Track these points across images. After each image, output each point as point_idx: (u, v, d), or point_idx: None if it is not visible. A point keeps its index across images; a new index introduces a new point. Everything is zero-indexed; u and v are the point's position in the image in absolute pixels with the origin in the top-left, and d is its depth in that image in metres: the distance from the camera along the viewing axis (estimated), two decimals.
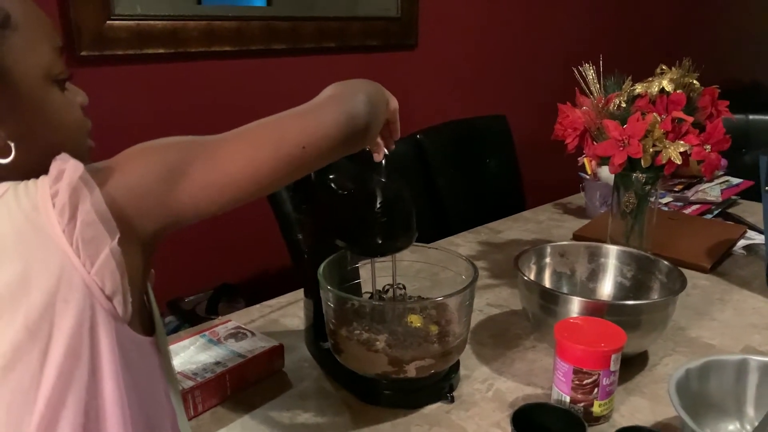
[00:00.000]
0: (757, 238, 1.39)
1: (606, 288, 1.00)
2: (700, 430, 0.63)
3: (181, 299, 1.55)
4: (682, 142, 1.03)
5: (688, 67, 1.07)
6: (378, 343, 0.76)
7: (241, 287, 1.61)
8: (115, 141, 1.51)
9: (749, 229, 1.43)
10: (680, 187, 1.68)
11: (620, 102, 1.11)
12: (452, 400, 0.80)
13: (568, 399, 0.76)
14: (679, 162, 1.03)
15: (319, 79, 1.81)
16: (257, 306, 1.10)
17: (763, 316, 1.06)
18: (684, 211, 1.57)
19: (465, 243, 1.40)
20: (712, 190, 1.65)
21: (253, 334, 0.91)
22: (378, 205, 0.74)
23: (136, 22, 1.39)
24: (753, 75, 3.36)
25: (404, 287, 0.84)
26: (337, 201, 0.82)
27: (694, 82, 1.08)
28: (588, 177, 1.62)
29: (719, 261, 1.27)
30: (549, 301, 0.87)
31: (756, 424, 0.73)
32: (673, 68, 1.10)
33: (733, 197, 1.68)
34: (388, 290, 0.83)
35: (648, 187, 1.13)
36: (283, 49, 1.70)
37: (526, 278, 0.90)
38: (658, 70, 1.12)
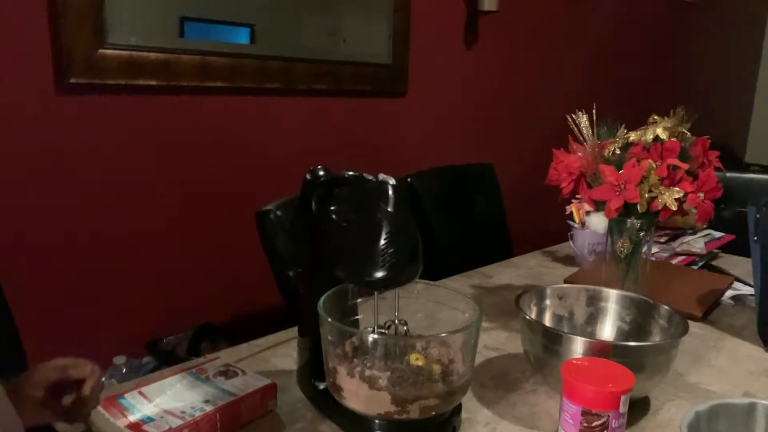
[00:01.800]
0: (744, 289, 1.41)
1: (606, 331, 0.99)
2: None
3: (160, 340, 1.49)
4: (677, 188, 1.04)
5: (682, 116, 1.10)
6: (381, 380, 0.73)
7: (224, 327, 1.56)
8: (101, 170, 1.49)
9: (736, 280, 1.45)
10: (666, 238, 1.70)
11: (615, 149, 1.13)
12: None
13: None
14: (674, 208, 1.04)
15: (312, 119, 1.84)
16: (245, 345, 1.06)
17: (758, 363, 1.06)
18: (671, 262, 1.59)
19: (458, 287, 1.38)
20: (696, 243, 1.68)
21: (243, 372, 0.87)
22: (384, 236, 0.72)
23: (129, 53, 1.39)
24: (725, 140, 3.49)
25: (407, 323, 0.81)
26: (340, 231, 0.80)
27: (686, 132, 1.11)
28: (576, 225, 1.63)
29: (709, 310, 1.27)
30: (553, 341, 0.85)
31: None
32: (665, 117, 1.12)
33: (715, 250, 1.71)
34: (389, 326, 0.80)
35: (642, 233, 1.14)
36: (276, 89, 1.71)
37: (528, 318, 0.89)
38: (651, 120, 1.15)
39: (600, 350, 0.82)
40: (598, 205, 1.12)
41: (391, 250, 0.72)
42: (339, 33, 1.84)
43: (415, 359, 0.79)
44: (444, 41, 2.25)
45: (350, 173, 0.81)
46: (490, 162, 2.11)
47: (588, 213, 1.62)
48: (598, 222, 1.59)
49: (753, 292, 1.37)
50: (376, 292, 0.78)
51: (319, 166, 0.87)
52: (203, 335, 1.47)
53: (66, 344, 1.36)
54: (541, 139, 2.56)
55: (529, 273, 1.54)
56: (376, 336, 0.77)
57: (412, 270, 0.74)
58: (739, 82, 4.24)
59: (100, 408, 0.76)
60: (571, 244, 1.65)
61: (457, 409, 0.81)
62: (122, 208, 1.50)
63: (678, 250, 1.64)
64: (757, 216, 1.15)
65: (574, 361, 0.78)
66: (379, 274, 0.73)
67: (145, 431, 0.71)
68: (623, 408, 0.73)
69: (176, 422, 0.73)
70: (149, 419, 0.74)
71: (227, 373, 0.86)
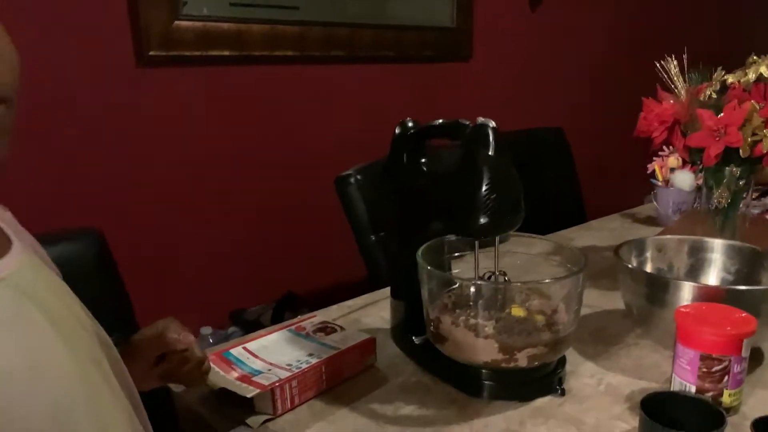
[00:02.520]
0: None
1: (710, 282, 0.94)
2: None
3: (244, 310, 1.52)
4: None
5: None
6: (487, 329, 0.72)
7: (305, 297, 1.58)
8: (180, 141, 1.52)
9: None
10: (756, 194, 1.61)
11: (711, 92, 1.06)
12: (563, 393, 0.75)
13: (693, 389, 0.70)
14: None
15: (376, 86, 1.83)
16: (335, 306, 1.06)
17: None
18: (765, 217, 1.50)
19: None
20: None
21: (342, 328, 0.87)
22: (486, 182, 0.70)
23: (203, 23, 1.40)
24: None
25: (506, 274, 0.79)
26: (436, 182, 0.79)
27: None
28: (659, 184, 1.56)
29: None
30: (659, 289, 0.82)
31: None
32: (765, 56, 1.05)
33: None
34: (489, 277, 0.78)
35: (742, 182, 1.07)
36: (341, 56, 1.70)
37: (631, 267, 0.85)
38: (750, 60, 1.08)
39: (711, 296, 0.78)
40: (694, 154, 1.06)
41: (494, 195, 0.70)
42: None
43: (517, 311, 0.77)
44: (508, 3, 2.19)
45: (444, 120, 0.79)
46: (559, 126, 2.05)
47: (672, 170, 1.55)
48: (684, 179, 1.53)
49: None
50: (476, 241, 0.76)
51: (408, 118, 0.86)
52: (286, 305, 1.50)
53: (152, 316, 1.40)
54: (612, 99, 2.48)
55: (611, 235, 1.49)
56: (481, 283, 0.75)
57: (516, 217, 0.72)
58: None
59: (211, 363, 0.77)
60: (654, 203, 1.58)
61: (562, 361, 0.79)
62: (201, 180, 1.54)
63: None
64: None
65: (691, 306, 0.75)
66: (482, 221, 0.71)
67: (256, 383, 0.72)
68: (745, 352, 0.69)
69: (284, 374, 0.74)
70: (257, 372, 0.75)
71: (326, 329, 0.87)
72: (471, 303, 0.76)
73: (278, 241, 1.64)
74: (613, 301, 1.03)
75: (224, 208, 1.58)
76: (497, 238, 0.77)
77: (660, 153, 1.59)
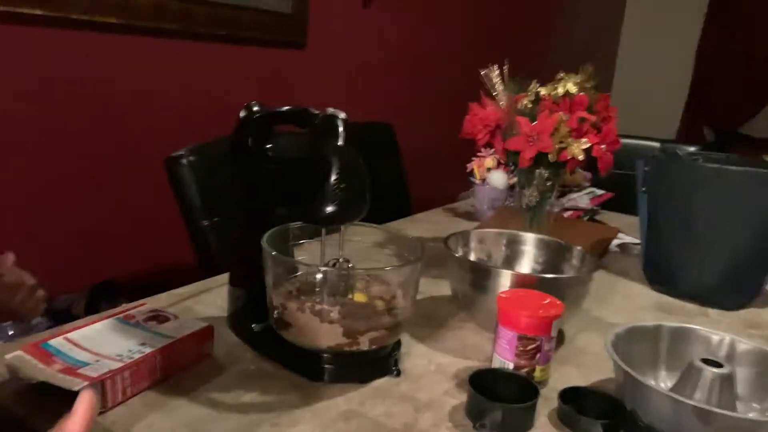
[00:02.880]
0: (626, 239, 1.56)
1: (524, 271, 1.06)
2: (644, 379, 0.68)
3: (53, 299, 1.37)
4: (584, 139, 1.12)
5: (589, 73, 1.18)
6: (332, 314, 0.74)
7: (124, 285, 1.47)
8: None
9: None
10: (557, 195, 1.83)
11: (527, 102, 1.19)
12: (399, 374, 0.79)
13: (512, 365, 0.78)
14: (581, 158, 1.12)
15: (211, 67, 1.75)
16: (164, 294, 1.01)
17: (647, 299, 1.19)
18: (563, 215, 1.71)
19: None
20: (581, 199, 1.82)
21: (176, 317, 0.83)
22: (336, 172, 0.72)
23: None
24: None
25: (350, 261, 0.82)
26: (283, 169, 0.79)
27: (591, 88, 1.19)
28: (477, 182, 1.71)
29: (601, 256, 1.40)
30: (482, 277, 0.90)
31: (669, 382, 0.81)
32: (570, 74, 1.20)
33: (596, 207, 1.87)
34: (334, 264, 0.80)
35: (550, 183, 1.22)
36: (173, 30, 1.60)
37: (459, 256, 0.93)
38: (559, 76, 1.22)
39: (526, 283, 0.87)
40: (511, 156, 1.18)
41: (343, 185, 0.72)
42: None
43: (359, 297, 0.80)
44: None
45: (292, 107, 0.79)
46: (388, 121, 2.14)
47: (489, 170, 1.71)
48: (498, 178, 1.69)
49: (635, 242, 1.53)
50: (323, 229, 0.78)
51: (254, 102, 0.84)
52: (102, 293, 1.38)
53: None
54: (439, 99, 2.64)
55: (435, 227, 1.59)
56: (328, 269, 0.77)
57: (362, 207, 0.74)
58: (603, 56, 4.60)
59: (24, 354, 0.69)
60: (472, 199, 1.73)
61: (398, 344, 0.83)
62: (14, 149, 1.35)
63: (567, 205, 1.77)
64: (645, 169, 1.27)
65: (509, 292, 0.83)
66: (330, 209, 0.72)
67: (83, 375, 0.66)
68: (554, 332, 0.79)
69: (114, 365, 0.68)
70: (84, 363, 0.69)
71: (158, 317, 0.82)
72: (317, 289, 0.77)
73: (96, 223, 1.50)
74: (439, 287, 1.11)
75: (34, 183, 1.40)
76: (342, 227, 0.79)
77: (478, 154, 1.74)
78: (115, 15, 1.45)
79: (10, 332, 1.31)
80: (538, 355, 0.78)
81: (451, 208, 1.82)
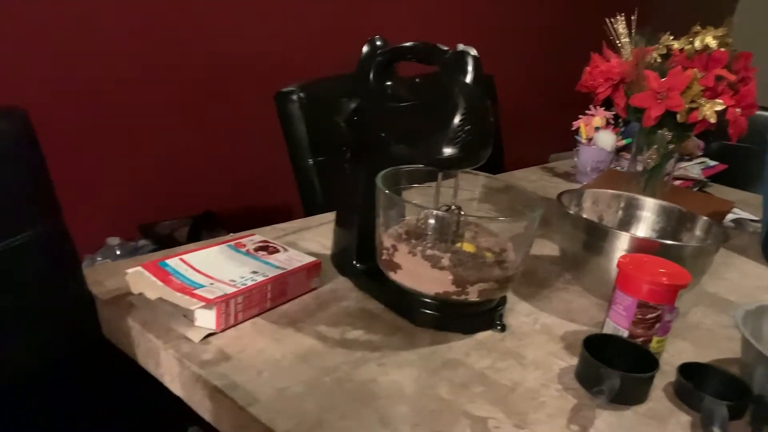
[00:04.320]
0: (742, 214, 1.45)
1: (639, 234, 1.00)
2: None
3: (156, 224, 1.43)
4: (719, 100, 1.03)
5: (730, 27, 1.07)
6: (443, 260, 0.72)
7: (222, 217, 1.51)
8: (96, 41, 1.36)
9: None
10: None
11: (656, 56, 1.10)
12: (504, 329, 0.77)
13: (626, 333, 0.74)
14: (713, 120, 1.03)
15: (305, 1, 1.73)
16: (268, 228, 1.02)
17: (764, 280, 1.10)
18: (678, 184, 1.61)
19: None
20: (692, 169, 1.71)
21: (285, 249, 0.84)
22: (461, 112, 0.68)
23: None
24: None
25: (461, 209, 0.79)
26: (408, 106, 0.76)
27: (731, 44, 1.09)
28: (583, 141, 1.62)
29: None
30: (597, 237, 0.85)
31: None
32: (712, 28, 1.10)
33: (706, 179, 1.74)
34: (447, 211, 0.77)
35: (672, 146, 1.13)
36: None
37: (573, 214, 0.88)
38: (695, 29, 1.12)
39: (646, 248, 0.82)
40: (633, 113, 1.10)
41: (468, 127, 0.68)
42: None
43: (468, 247, 0.77)
44: None
45: (418, 42, 0.76)
46: (491, 73, 2.06)
47: (597, 129, 1.61)
48: (606, 139, 1.59)
49: (752, 218, 1.42)
50: (440, 173, 0.75)
51: (377, 36, 0.81)
52: (203, 223, 1.42)
53: None
54: (545, 50, 2.51)
55: (533, 186, 1.54)
56: (446, 214, 0.75)
57: (484, 151, 0.71)
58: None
59: (144, 270, 0.71)
60: (576, 159, 1.65)
61: (503, 299, 0.81)
62: (122, 80, 1.40)
63: (676, 173, 1.66)
64: None
65: (629, 257, 0.78)
66: (451, 151, 0.69)
67: (199, 295, 0.67)
68: (677, 303, 0.74)
69: (228, 289, 0.70)
70: (199, 285, 0.70)
71: (268, 248, 0.83)
72: (428, 234, 0.75)
73: (200, 154, 1.54)
74: (541, 247, 1.07)
75: (143, 114, 1.45)
76: (458, 172, 0.76)
77: (587, 112, 1.65)
78: None
79: (118, 252, 1.38)
80: (657, 325, 0.73)
81: (549, 168, 1.75)
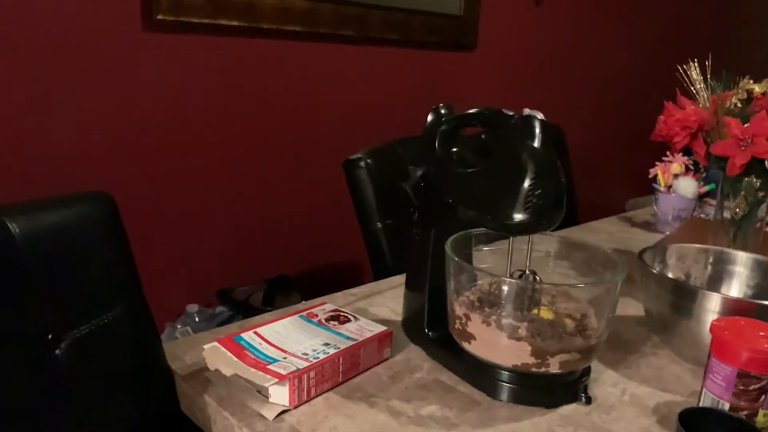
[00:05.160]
0: None
1: (731, 294, 0.93)
2: None
3: (232, 289, 1.46)
4: None
5: None
6: (520, 330, 0.69)
7: (295, 281, 1.53)
8: (182, 110, 1.46)
9: None
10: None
11: (736, 101, 1.05)
12: (589, 402, 0.72)
13: (727, 406, 0.68)
14: None
15: (383, 69, 1.78)
16: (339, 294, 1.02)
17: None
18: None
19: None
20: None
21: (356, 318, 0.83)
22: (531, 176, 0.66)
23: None
24: None
25: (536, 273, 0.76)
26: (471, 172, 0.75)
27: None
28: (662, 189, 1.56)
29: None
30: (685, 298, 0.80)
31: None
32: None
33: None
34: (521, 276, 0.75)
35: (761, 194, 1.06)
36: (350, 36, 1.64)
37: (657, 273, 0.83)
38: None
39: (741, 310, 0.76)
40: (716, 162, 1.05)
41: (538, 191, 0.66)
42: None
43: (546, 313, 0.74)
44: None
45: (483, 108, 0.75)
46: (557, 123, 2.03)
47: (676, 176, 1.55)
48: (687, 185, 1.52)
49: None
50: (511, 238, 0.73)
51: (441, 105, 0.82)
52: (277, 287, 1.44)
53: None
54: (609, 102, 2.47)
55: (612, 238, 1.47)
56: (519, 281, 0.72)
57: (557, 215, 0.69)
58: None
59: (220, 346, 0.72)
60: (655, 208, 1.58)
61: (587, 368, 0.76)
62: (199, 152, 1.47)
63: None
64: None
65: (723, 321, 0.72)
66: (522, 217, 0.67)
67: (272, 371, 0.67)
68: None
69: (301, 363, 0.69)
70: (273, 359, 0.70)
71: (339, 317, 0.82)
72: (502, 302, 0.72)
73: (273, 220, 1.59)
74: (626, 306, 1.01)
75: (221, 182, 1.51)
76: (530, 236, 0.73)
77: (664, 158, 1.59)
78: (301, 23, 1.51)
79: (197, 319, 1.42)
80: (763, 397, 0.66)
81: (627, 217, 1.68)
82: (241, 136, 1.53)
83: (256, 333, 0.76)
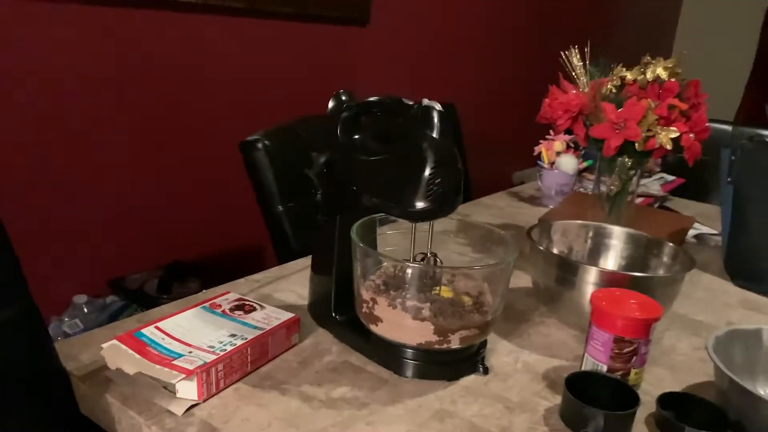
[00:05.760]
0: (702, 229, 1.50)
1: (608, 266, 1.02)
2: (753, 387, 0.65)
3: (124, 278, 1.40)
4: (673, 128, 1.07)
5: (679, 58, 1.12)
6: (424, 311, 0.72)
7: (191, 266, 1.49)
8: (60, 95, 1.35)
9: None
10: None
11: (611, 87, 1.14)
12: (486, 372, 0.78)
13: (605, 368, 0.75)
14: (669, 147, 1.07)
15: (278, 44, 1.74)
16: (242, 280, 1.01)
17: (731, 296, 1.13)
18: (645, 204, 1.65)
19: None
20: (652, 185, 1.76)
21: (262, 306, 0.83)
22: (431, 165, 0.69)
23: None
24: None
25: (437, 256, 0.80)
26: (375, 160, 0.77)
27: (680, 73, 1.13)
28: (546, 166, 1.66)
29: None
30: (569, 272, 0.87)
31: None
32: (660, 59, 1.14)
33: (666, 193, 1.80)
34: (423, 259, 0.78)
35: (632, 172, 1.17)
36: (240, 9, 1.59)
37: (544, 249, 0.90)
38: (645, 60, 1.16)
39: (617, 281, 0.84)
40: (594, 144, 1.14)
41: (438, 179, 0.69)
42: None
43: (446, 292, 0.78)
44: None
45: (384, 97, 0.77)
46: (451, 102, 2.09)
47: (558, 153, 1.65)
48: (568, 162, 1.63)
49: (712, 232, 1.46)
50: (414, 224, 0.76)
51: (342, 91, 0.83)
52: (173, 274, 1.40)
53: None
54: (504, 81, 2.57)
55: (502, 213, 1.56)
56: (422, 266, 0.75)
57: (455, 202, 0.72)
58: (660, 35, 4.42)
59: (120, 344, 0.70)
60: (540, 183, 1.68)
61: (484, 341, 0.82)
62: (82, 133, 1.37)
63: (638, 191, 1.71)
64: (732, 158, 1.21)
65: (602, 292, 0.80)
66: (423, 205, 0.70)
67: (179, 367, 0.66)
68: (652, 335, 0.76)
69: (208, 357, 0.69)
70: (177, 354, 0.69)
71: (244, 307, 0.82)
72: (407, 285, 0.75)
73: (166, 203, 1.53)
74: (516, 279, 1.09)
75: (107, 164, 1.43)
76: (432, 222, 0.77)
77: (547, 137, 1.69)
78: None
79: (85, 310, 1.35)
80: (635, 359, 0.75)
81: (515, 192, 1.78)
82: (129, 115, 1.45)
83: (157, 328, 0.75)
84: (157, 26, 1.46)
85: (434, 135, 0.70)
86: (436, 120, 0.71)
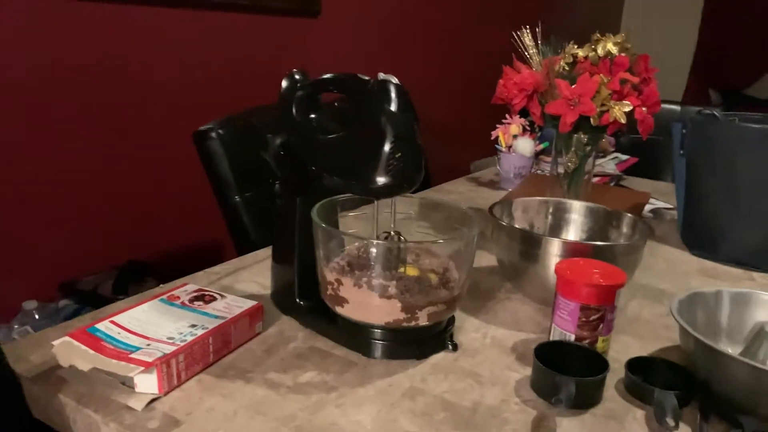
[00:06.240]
0: (657, 203, 1.53)
1: (570, 239, 1.03)
2: (721, 347, 0.66)
3: (77, 280, 1.34)
4: (626, 102, 1.08)
5: (629, 33, 1.13)
6: (390, 289, 0.71)
7: (149, 265, 1.44)
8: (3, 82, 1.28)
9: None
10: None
11: (564, 65, 1.15)
12: (455, 349, 0.77)
13: (573, 337, 0.76)
14: (623, 121, 1.08)
15: (230, 36, 1.70)
16: (201, 273, 0.98)
17: (689, 264, 1.16)
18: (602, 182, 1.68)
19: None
20: (607, 164, 1.79)
21: (223, 296, 0.80)
22: (390, 140, 0.68)
23: None
24: None
25: (401, 234, 0.78)
26: (332, 138, 0.75)
27: (630, 47, 1.15)
28: (503, 150, 1.67)
29: None
30: (532, 246, 0.87)
31: (731, 349, 0.78)
32: (611, 35, 1.16)
33: (621, 172, 1.83)
34: (387, 237, 0.77)
35: (589, 148, 1.18)
36: (193, 1, 1.55)
37: (506, 225, 0.90)
38: (595, 37, 1.17)
39: (579, 251, 0.84)
40: (550, 121, 1.14)
41: (398, 154, 0.68)
42: None
43: (412, 270, 0.77)
44: None
45: (339, 74, 0.75)
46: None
47: (515, 137, 1.67)
48: (525, 145, 1.65)
49: (668, 206, 1.50)
50: (376, 201, 0.74)
51: (295, 70, 0.80)
52: (129, 274, 1.35)
53: None
54: (453, 65, 2.58)
55: (463, 197, 1.56)
56: (386, 242, 0.74)
57: (417, 177, 0.71)
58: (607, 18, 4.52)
59: (73, 340, 0.66)
60: (498, 167, 1.69)
61: (452, 318, 0.81)
62: (25, 130, 1.31)
63: (594, 171, 1.73)
64: (683, 132, 1.23)
65: (566, 263, 0.80)
66: (384, 180, 0.69)
67: (136, 360, 0.63)
68: (617, 302, 0.76)
69: (168, 348, 0.66)
70: (135, 348, 0.66)
71: (204, 297, 0.79)
72: (372, 264, 0.74)
73: (118, 201, 1.47)
74: (479, 259, 1.08)
75: (53, 162, 1.37)
76: (394, 199, 0.75)
77: (503, 121, 1.70)
78: None
79: (36, 316, 1.29)
80: (601, 326, 0.75)
81: (474, 178, 1.78)
82: (77, 110, 1.39)
83: (112, 322, 0.71)
84: (105, 19, 1.40)
85: (393, 109, 0.69)
86: (393, 94, 0.69)
